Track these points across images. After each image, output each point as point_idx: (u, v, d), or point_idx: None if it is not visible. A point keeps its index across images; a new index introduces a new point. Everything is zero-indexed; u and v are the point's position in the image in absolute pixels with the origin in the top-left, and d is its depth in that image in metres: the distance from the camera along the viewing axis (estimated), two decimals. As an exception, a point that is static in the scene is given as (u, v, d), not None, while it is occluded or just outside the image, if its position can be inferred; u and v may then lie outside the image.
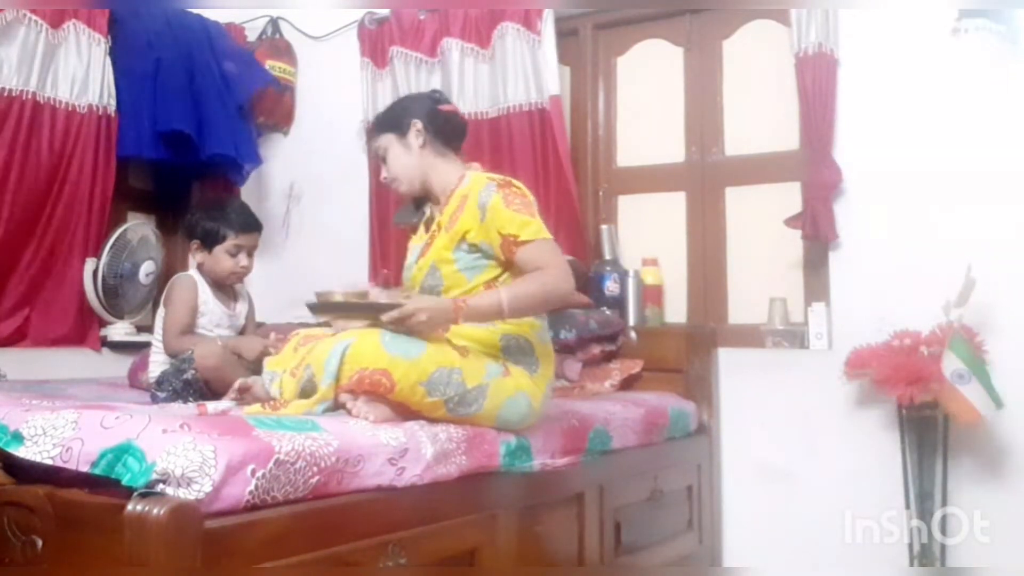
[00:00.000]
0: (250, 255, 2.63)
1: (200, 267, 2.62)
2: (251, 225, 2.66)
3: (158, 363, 2.56)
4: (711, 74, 3.34)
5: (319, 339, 2.03)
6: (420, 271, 2.14)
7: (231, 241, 2.58)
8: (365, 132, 2.14)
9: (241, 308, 2.71)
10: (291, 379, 1.99)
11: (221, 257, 2.58)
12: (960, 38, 2.71)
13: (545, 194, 3.32)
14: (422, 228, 2.24)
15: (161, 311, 2.61)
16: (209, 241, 2.58)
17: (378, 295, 2.13)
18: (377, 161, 2.25)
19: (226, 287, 2.67)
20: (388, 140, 2.18)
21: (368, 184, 3.68)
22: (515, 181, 2.11)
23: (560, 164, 3.29)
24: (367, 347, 1.89)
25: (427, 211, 2.24)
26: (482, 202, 2.04)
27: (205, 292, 2.60)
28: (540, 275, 2.00)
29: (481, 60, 3.48)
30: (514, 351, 2.07)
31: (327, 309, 2.11)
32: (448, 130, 2.20)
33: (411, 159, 2.16)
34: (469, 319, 1.98)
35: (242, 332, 2.70)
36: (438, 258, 2.10)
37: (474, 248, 2.06)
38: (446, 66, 3.52)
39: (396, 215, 2.29)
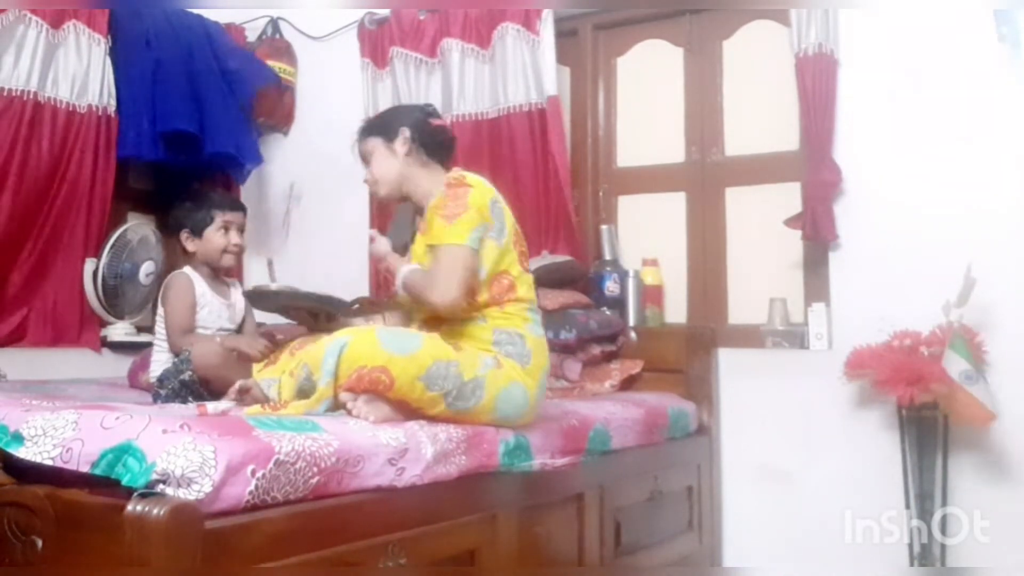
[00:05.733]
0: (240, 233, 2.69)
1: (193, 257, 2.66)
2: (236, 204, 2.78)
3: (160, 362, 2.57)
4: (711, 74, 3.34)
5: (315, 341, 2.04)
6: None
7: (219, 219, 2.66)
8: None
9: (236, 298, 2.72)
10: (289, 379, 2.00)
11: (212, 237, 2.65)
12: (1003, 43, 2.69)
13: (545, 194, 3.33)
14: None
15: (161, 310, 2.62)
16: (199, 226, 2.65)
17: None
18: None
19: (220, 279, 2.69)
20: (374, 144, 2.25)
21: (368, 184, 3.68)
22: (470, 178, 2.14)
23: (556, 165, 3.29)
24: (364, 345, 1.91)
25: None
26: (432, 203, 2.14)
27: (201, 285, 2.62)
28: (428, 280, 2.08)
29: (481, 60, 3.48)
30: (505, 343, 2.09)
31: (266, 296, 2.47)
32: (434, 143, 2.26)
33: (394, 165, 2.23)
34: (389, 272, 2.23)
35: (241, 328, 2.70)
36: (419, 263, 2.17)
37: None
38: (446, 67, 3.52)
39: (389, 233, 2.40)
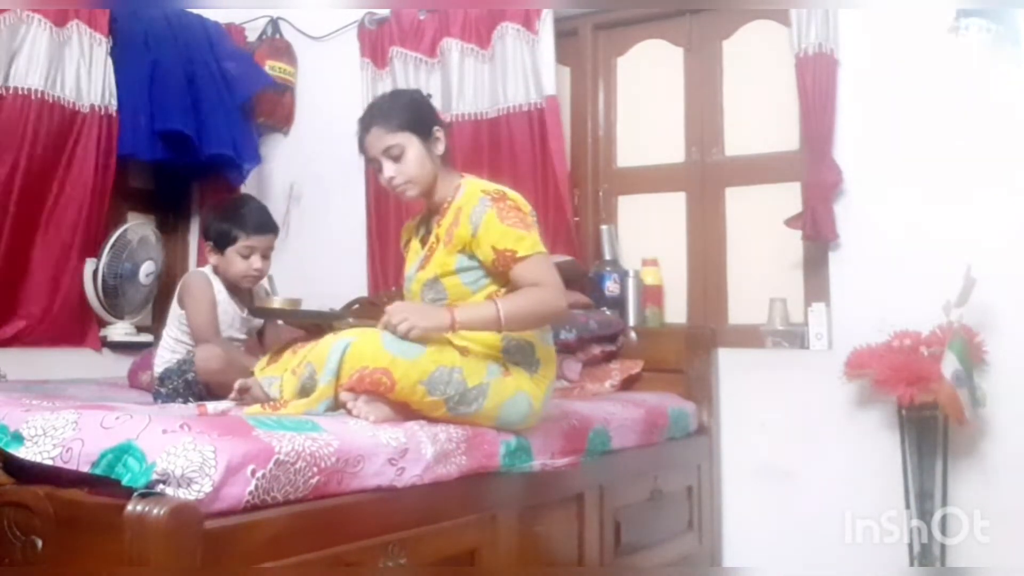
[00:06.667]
0: (264, 257, 2.53)
1: (215, 268, 2.55)
2: (265, 226, 2.55)
3: (164, 359, 2.52)
4: (711, 74, 3.34)
5: (318, 341, 2.03)
6: (419, 283, 2.13)
7: (243, 243, 2.48)
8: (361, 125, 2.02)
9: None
10: (292, 376, 1.99)
11: (233, 259, 2.49)
12: (959, 36, 2.70)
13: (544, 195, 3.33)
14: (417, 241, 2.22)
15: (176, 309, 2.54)
16: (221, 242, 2.49)
17: (307, 305, 2.38)
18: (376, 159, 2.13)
19: (242, 291, 2.57)
20: (408, 139, 2.07)
21: (367, 184, 3.68)
22: (510, 193, 2.07)
23: (553, 165, 3.29)
24: (368, 346, 1.90)
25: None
26: (475, 217, 2.02)
27: (221, 293, 2.52)
28: (537, 292, 2.01)
29: (481, 60, 3.48)
30: (515, 352, 2.07)
31: (268, 313, 2.49)
32: (449, 139, 2.19)
33: (430, 165, 2.10)
34: (464, 328, 1.99)
35: (261, 334, 2.65)
36: (440, 271, 2.08)
37: (474, 260, 2.05)
38: (446, 66, 3.52)
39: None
